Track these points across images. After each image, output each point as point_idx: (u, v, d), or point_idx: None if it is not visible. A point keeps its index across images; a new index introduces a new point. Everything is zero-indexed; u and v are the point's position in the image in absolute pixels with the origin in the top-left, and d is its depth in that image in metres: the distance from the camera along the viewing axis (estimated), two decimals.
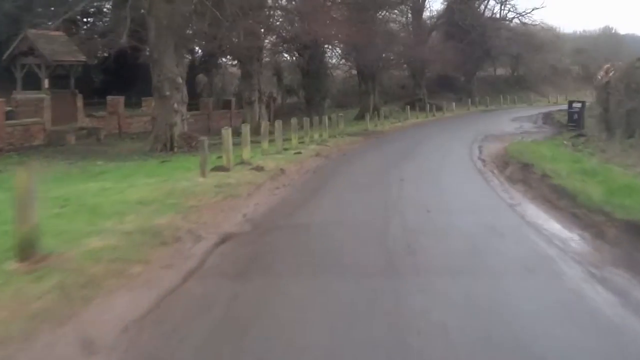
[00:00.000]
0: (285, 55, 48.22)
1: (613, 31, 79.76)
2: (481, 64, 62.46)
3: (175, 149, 24.83)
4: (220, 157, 16.64)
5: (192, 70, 47.97)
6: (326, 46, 42.97)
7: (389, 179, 13.66)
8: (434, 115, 43.82)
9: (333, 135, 26.33)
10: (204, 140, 12.81)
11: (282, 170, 14.88)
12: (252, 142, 19.32)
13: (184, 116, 26.39)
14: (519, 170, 14.23)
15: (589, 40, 76.01)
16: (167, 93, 25.36)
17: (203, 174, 12.57)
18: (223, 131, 14.42)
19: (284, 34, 40.76)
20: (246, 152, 15.69)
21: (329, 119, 27.88)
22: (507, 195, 11.49)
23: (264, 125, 18.22)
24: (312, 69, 41.36)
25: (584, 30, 78.92)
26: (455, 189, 12.63)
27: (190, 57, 47.09)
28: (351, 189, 12.89)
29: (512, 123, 36.43)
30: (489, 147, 22.27)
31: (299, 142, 21.63)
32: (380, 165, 17.44)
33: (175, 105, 25.53)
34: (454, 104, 49.32)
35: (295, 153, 18.87)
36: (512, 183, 12.90)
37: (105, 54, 43.08)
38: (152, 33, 25.50)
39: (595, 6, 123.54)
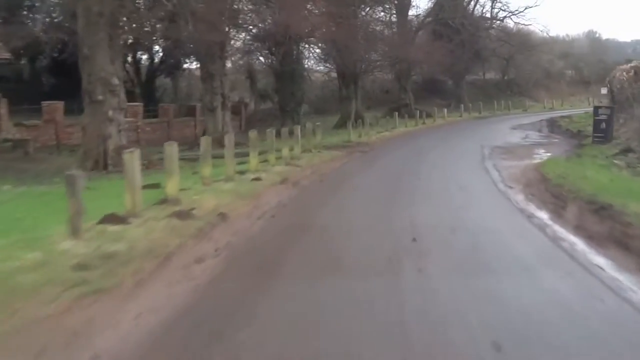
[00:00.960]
0: (260, 57, 42.80)
1: (597, 35, 75.58)
2: (471, 67, 57.43)
3: (110, 168, 19.44)
4: (155, 185, 11.41)
5: (151, 72, 42.54)
6: (302, 44, 37.71)
7: (391, 240, 8.17)
8: (424, 122, 38.59)
9: (308, 149, 21.00)
10: (75, 176, 7.33)
11: (223, 216, 9.43)
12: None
13: (122, 126, 20.90)
14: (593, 215, 8.94)
15: (572, 44, 71.43)
16: (100, 97, 19.91)
17: (75, 233, 7.19)
18: (125, 156, 8.96)
19: (254, 30, 35.50)
20: (173, 184, 10.26)
21: (304, 127, 22.59)
22: (622, 287, 6.16)
23: (204, 142, 12.62)
24: (287, 71, 36.03)
25: (566, 35, 74.35)
26: (511, 262, 7.10)
27: (148, 58, 41.68)
28: (330, 267, 7.08)
29: (515, 132, 31.38)
30: (506, 165, 17.19)
31: (262, 161, 16.34)
32: (373, 203, 11.89)
33: (110, 112, 20.06)
34: (445, 110, 44.12)
35: (253, 179, 13.47)
36: (601, 246, 7.56)
37: (55, 54, 37.71)
38: (81, 22, 20.15)
39: (577, 11, 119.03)
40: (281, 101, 37.05)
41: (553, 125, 34.91)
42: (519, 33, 57.68)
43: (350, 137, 26.88)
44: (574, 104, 58.84)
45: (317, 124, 25.25)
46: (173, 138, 37.01)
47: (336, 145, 24.98)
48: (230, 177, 12.95)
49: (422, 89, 56.54)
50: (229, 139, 13.45)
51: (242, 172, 14.28)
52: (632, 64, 27.65)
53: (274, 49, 35.27)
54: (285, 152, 17.94)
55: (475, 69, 60.70)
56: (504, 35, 56.39)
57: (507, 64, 60.62)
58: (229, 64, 34.09)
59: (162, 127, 35.77)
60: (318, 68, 47.84)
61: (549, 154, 20.33)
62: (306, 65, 43.90)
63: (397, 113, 37.73)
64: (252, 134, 15.60)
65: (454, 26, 50.76)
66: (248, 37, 36.43)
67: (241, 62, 47.63)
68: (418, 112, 40.81)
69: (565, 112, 47.22)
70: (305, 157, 19.33)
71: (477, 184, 13.86)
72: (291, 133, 20.78)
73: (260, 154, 16.13)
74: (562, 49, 68.79)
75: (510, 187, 12.83)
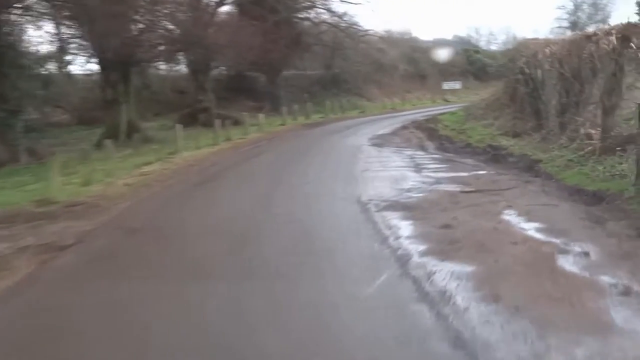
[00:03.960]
0: None
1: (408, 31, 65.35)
2: (289, 58, 43.56)
3: None
4: None
5: None
6: (13, 11, 21.53)
7: None
8: (228, 138, 23.59)
9: None
10: None
11: None
12: None
13: None
14: None
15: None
16: None
17: None
18: None
19: None
20: None
21: None
22: None
23: None
24: None
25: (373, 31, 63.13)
26: None
27: None
28: None
29: (387, 153, 17.83)
30: None
31: None
32: None
33: None
34: (261, 115, 29.25)
35: None
36: None
37: None
38: None
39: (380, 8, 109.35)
40: None
41: (433, 137, 21.77)
42: (346, 15, 45.26)
43: (51, 193, 11.42)
44: (415, 102, 47.25)
45: None
46: None
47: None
48: None
49: (228, 88, 41.91)
50: None
51: None
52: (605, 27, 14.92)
53: None
54: None
55: (295, 62, 46.99)
56: (330, 16, 43.42)
57: (333, 54, 47.62)
58: None
59: None
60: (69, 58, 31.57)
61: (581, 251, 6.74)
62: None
63: (185, 123, 22.78)
64: None
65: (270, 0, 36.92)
66: None
67: None
68: (222, 120, 25.92)
69: (418, 113, 35.04)
70: None
71: None
72: None
73: None
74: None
75: None
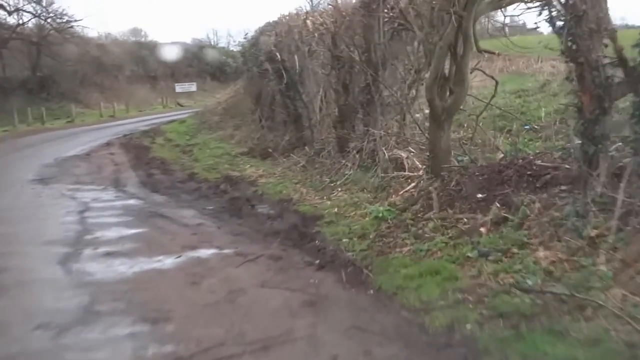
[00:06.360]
0: None
1: (143, 34, 56.55)
2: None
3: None
4: None
5: None
6: None
7: None
8: None
9: None
10: None
11: None
12: None
13: None
14: None
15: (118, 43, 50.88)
16: None
17: None
18: None
19: None
20: None
21: None
22: None
23: None
24: None
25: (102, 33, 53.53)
26: None
27: None
28: None
29: (47, 199, 9.62)
30: None
31: None
32: None
33: None
34: None
35: None
36: None
37: None
38: None
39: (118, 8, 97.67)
40: None
41: (141, 161, 13.90)
42: (53, 4, 35.80)
43: None
44: (143, 108, 38.71)
45: None
46: None
47: None
48: None
49: None
50: None
51: None
52: None
53: None
54: None
55: None
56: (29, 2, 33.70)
57: (39, 51, 37.31)
58: None
59: None
60: None
61: None
62: None
63: None
64: None
65: None
66: None
67: None
68: None
69: (141, 121, 27.05)
70: None
71: None
72: None
73: None
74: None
75: None
